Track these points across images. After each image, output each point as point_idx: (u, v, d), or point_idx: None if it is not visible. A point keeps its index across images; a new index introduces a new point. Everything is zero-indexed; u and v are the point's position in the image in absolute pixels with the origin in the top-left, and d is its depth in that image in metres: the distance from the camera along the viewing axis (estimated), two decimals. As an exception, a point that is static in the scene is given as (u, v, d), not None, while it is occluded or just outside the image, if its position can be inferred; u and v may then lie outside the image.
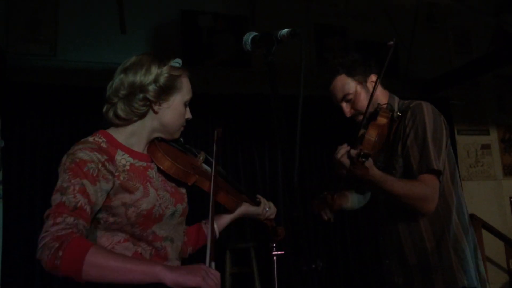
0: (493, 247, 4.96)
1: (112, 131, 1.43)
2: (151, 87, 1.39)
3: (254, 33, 1.23)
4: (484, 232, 4.78)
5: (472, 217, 4.79)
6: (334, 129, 4.54)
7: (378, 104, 1.79)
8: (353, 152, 1.45)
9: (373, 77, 1.82)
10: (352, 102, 1.81)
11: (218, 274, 1.25)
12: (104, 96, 1.43)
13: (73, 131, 3.78)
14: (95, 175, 1.28)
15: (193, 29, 4.34)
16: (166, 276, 1.18)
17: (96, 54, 3.99)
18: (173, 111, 1.45)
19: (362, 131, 1.72)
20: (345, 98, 1.82)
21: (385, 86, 1.88)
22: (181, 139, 1.55)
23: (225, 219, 1.65)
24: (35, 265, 3.52)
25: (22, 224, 3.54)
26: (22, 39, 3.89)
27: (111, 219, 1.32)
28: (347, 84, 1.80)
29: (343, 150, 1.53)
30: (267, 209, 1.70)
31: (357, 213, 4.48)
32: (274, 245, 3.25)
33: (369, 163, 1.47)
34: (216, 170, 1.46)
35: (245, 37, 1.23)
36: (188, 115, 1.51)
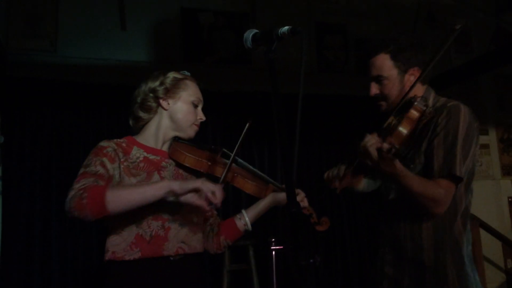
0: (491, 246, 4.97)
1: (135, 136, 1.69)
2: (159, 88, 1.65)
3: (255, 31, 1.23)
4: (482, 232, 4.79)
5: (470, 216, 4.80)
6: (333, 127, 4.56)
7: (415, 95, 1.64)
8: (385, 146, 1.38)
9: (415, 70, 1.72)
10: (382, 86, 1.73)
11: (217, 185, 1.46)
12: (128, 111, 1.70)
13: (73, 126, 3.78)
14: (112, 156, 1.54)
15: (193, 26, 4.34)
16: (174, 184, 1.42)
17: (96, 50, 3.98)
18: (180, 107, 1.65)
19: (392, 119, 1.63)
20: (377, 78, 1.73)
21: (426, 80, 1.75)
22: (213, 146, 1.71)
23: (255, 210, 1.76)
24: (34, 260, 3.53)
25: (21, 219, 3.54)
26: (22, 34, 3.88)
27: (126, 184, 1.52)
28: (386, 66, 1.71)
29: (373, 140, 1.45)
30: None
31: (355, 208, 4.50)
32: (273, 240, 3.26)
33: (397, 161, 1.42)
34: (235, 157, 1.61)
35: (245, 34, 1.23)
36: (201, 115, 1.70)
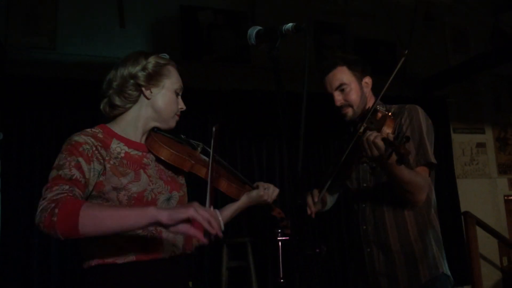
0: (487, 244, 5.02)
1: (110, 124, 1.51)
2: (140, 73, 1.48)
3: (258, 27, 1.25)
4: (478, 230, 4.84)
5: (466, 214, 4.85)
6: (332, 126, 4.58)
7: (374, 103, 1.84)
8: (391, 136, 1.48)
9: (367, 79, 1.93)
10: (345, 93, 1.88)
11: (211, 210, 1.28)
12: (100, 93, 1.52)
13: (72, 124, 3.77)
14: (89, 155, 1.36)
15: (193, 25, 4.35)
16: (160, 214, 1.20)
17: (95, 48, 3.99)
18: (164, 96, 1.52)
19: (361, 127, 1.75)
20: (340, 87, 1.89)
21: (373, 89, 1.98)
22: (182, 136, 1.61)
23: (230, 211, 1.68)
24: (33, 258, 3.53)
25: (20, 217, 3.54)
26: (21, 32, 3.89)
27: (105, 205, 1.37)
28: (346, 75, 1.88)
29: (375, 133, 1.56)
30: (266, 189, 1.70)
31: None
32: (279, 230, 3.26)
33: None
34: (214, 160, 1.48)
35: (249, 31, 1.25)
36: (182, 105, 1.58)
